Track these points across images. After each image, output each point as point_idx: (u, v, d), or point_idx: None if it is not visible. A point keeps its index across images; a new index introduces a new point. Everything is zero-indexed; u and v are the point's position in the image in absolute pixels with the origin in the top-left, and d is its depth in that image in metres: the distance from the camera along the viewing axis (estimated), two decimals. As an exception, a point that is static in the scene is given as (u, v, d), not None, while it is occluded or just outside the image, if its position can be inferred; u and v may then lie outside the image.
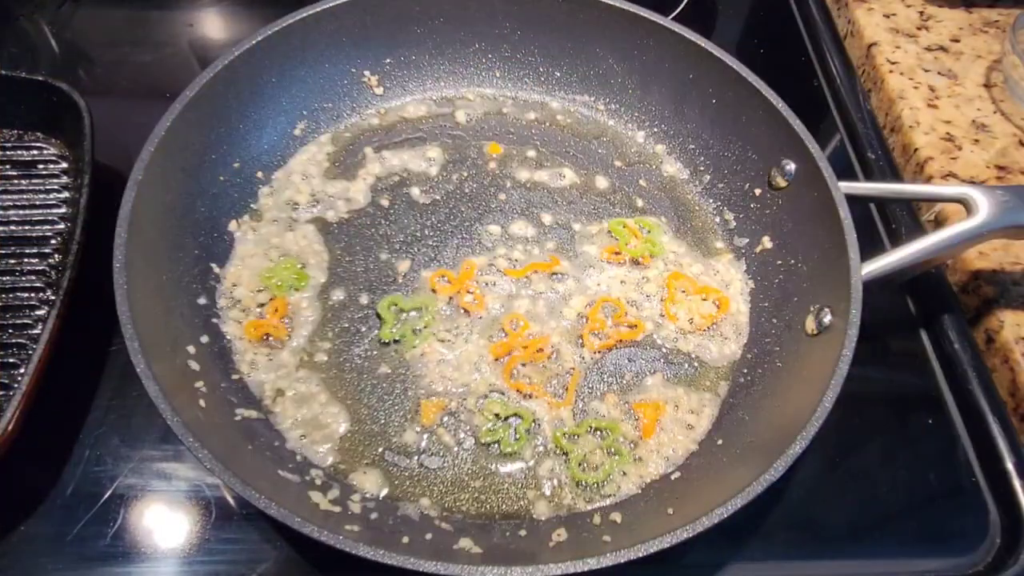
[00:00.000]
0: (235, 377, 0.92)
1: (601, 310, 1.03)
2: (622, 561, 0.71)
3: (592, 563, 0.70)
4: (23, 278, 0.98)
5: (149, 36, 1.35)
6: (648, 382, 0.98)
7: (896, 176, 1.26)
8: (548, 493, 0.88)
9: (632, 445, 0.91)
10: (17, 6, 1.36)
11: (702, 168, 1.19)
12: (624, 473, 0.89)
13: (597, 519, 0.86)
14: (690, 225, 1.14)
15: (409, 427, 0.92)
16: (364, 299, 1.02)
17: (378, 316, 0.99)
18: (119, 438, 0.90)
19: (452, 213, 1.12)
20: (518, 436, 0.92)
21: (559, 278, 1.06)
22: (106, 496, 0.85)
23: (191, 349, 0.90)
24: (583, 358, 0.99)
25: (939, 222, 1.17)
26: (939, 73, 1.35)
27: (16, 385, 0.82)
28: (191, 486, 0.87)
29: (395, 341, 0.98)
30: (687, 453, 0.93)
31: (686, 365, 1.00)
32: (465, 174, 1.17)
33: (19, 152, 1.10)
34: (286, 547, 0.83)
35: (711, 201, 1.17)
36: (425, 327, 0.99)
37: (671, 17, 1.20)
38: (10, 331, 0.94)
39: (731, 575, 0.87)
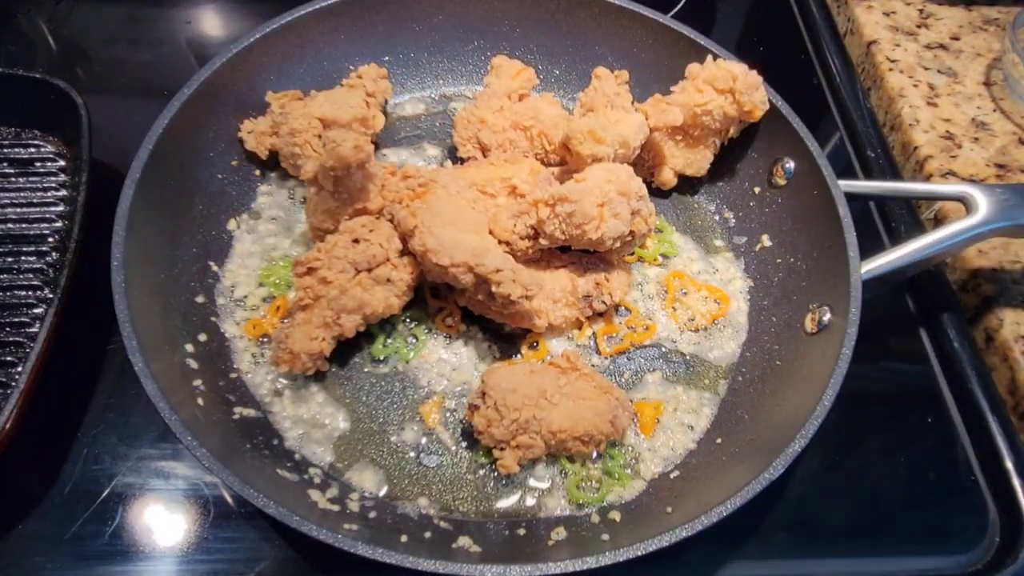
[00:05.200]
0: (233, 376, 0.92)
1: (615, 314, 1.03)
2: (621, 560, 0.71)
3: (591, 562, 0.70)
4: (21, 276, 0.98)
5: (147, 34, 1.35)
6: (647, 380, 0.98)
7: (896, 174, 1.26)
8: (547, 492, 0.88)
9: (632, 469, 0.91)
10: (15, 3, 1.35)
11: (701, 166, 1.18)
12: (623, 487, 0.89)
13: (596, 518, 0.86)
14: (689, 223, 1.14)
15: (408, 426, 0.91)
16: (363, 297, 1.01)
17: (369, 331, 0.97)
18: (117, 437, 0.89)
19: (451, 211, 1.12)
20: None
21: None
22: (104, 495, 0.85)
23: (189, 347, 0.90)
24: (590, 361, 0.99)
25: (939, 220, 1.17)
26: (939, 71, 1.35)
27: (14, 384, 0.82)
28: (189, 485, 0.87)
29: (385, 359, 0.96)
30: (686, 452, 0.92)
31: (685, 363, 1.00)
32: (464, 172, 1.16)
33: (16, 150, 1.09)
34: (284, 546, 0.83)
35: (710, 199, 1.17)
36: (418, 340, 0.98)
37: (670, 15, 1.20)
38: (7, 329, 0.94)
39: (730, 574, 0.87)
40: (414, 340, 0.98)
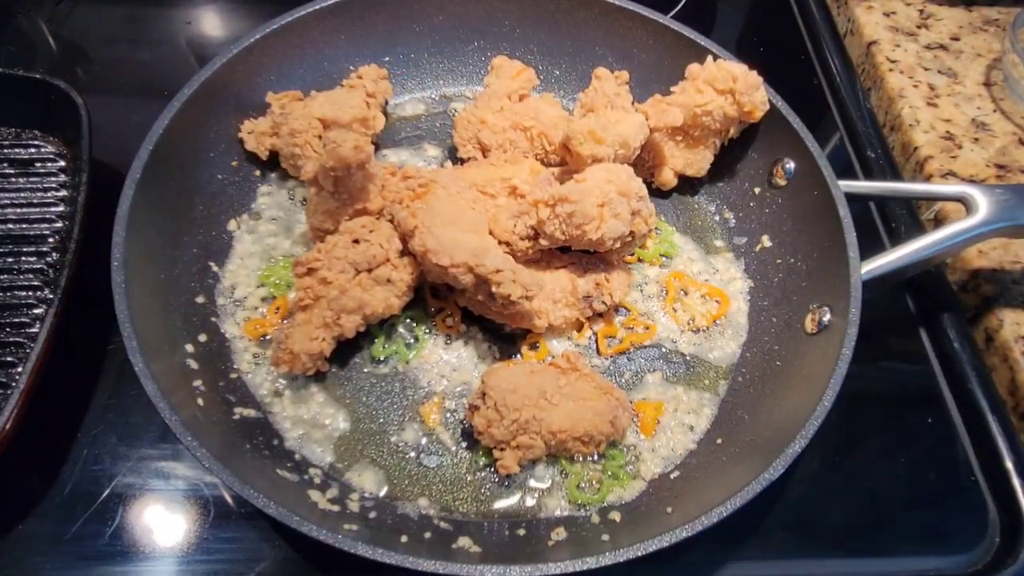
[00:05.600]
0: (233, 376, 0.92)
1: (615, 314, 1.03)
2: (621, 560, 0.71)
3: (591, 562, 0.70)
4: (21, 277, 0.98)
5: (147, 34, 1.35)
6: (648, 380, 0.98)
7: (896, 175, 1.26)
8: (547, 493, 0.88)
9: (632, 469, 0.90)
10: (15, 3, 1.35)
11: (702, 167, 1.18)
12: (623, 487, 0.89)
13: (596, 518, 0.86)
14: (689, 224, 1.14)
15: (408, 426, 0.91)
16: (363, 298, 1.01)
17: (369, 331, 0.97)
18: (117, 437, 0.89)
19: (451, 212, 1.11)
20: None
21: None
22: (104, 495, 0.85)
23: (189, 348, 0.90)
24: (590, 362, 0.99)
25: (939, 221, 1.16)
26: (939, 71, 1.35)
27: (14, 384, 0.82)
28: (189, 485, 0.87)
29: (385, 359, 0.96)
30: (686, 452, 0.92)
31: (686, 364, 1.00)
32: (464, 172, 1.16)
33: (17, 150, 1.09)
34: (284, 546, 0.83)
35: (710, 199, 1.17)
36: (418, 340, 0.98)
37: (670, 15, 1.20)
38: (8, 330, 0.94)
39: (730, 574, 0.87)
40: (414, 340, 0.98)
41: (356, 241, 0.91)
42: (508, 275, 0.86)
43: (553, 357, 0.98)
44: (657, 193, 1.16)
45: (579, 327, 1.01)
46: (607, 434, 0.86)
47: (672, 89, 1.10)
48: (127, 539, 0.83)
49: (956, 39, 1.41)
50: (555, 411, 0.85)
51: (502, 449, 0.85)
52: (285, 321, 0.94)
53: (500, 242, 0.94)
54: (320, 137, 1.00)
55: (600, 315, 1.00)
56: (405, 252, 0.93)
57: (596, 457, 0.90)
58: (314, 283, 0.88)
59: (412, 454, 0.89)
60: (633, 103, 1.10)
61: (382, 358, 0.96)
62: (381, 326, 0.97)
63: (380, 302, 0.90)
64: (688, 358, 1.01)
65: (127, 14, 1.37)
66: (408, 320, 0.99)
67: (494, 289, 0.86)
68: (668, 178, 1.13)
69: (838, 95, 1.37)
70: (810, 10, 1.52)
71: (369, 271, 0.90)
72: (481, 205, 0.96)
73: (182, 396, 0.81)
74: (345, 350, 0.95)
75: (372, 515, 0.83)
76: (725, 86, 1.04)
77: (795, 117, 1.05)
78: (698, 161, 1.12)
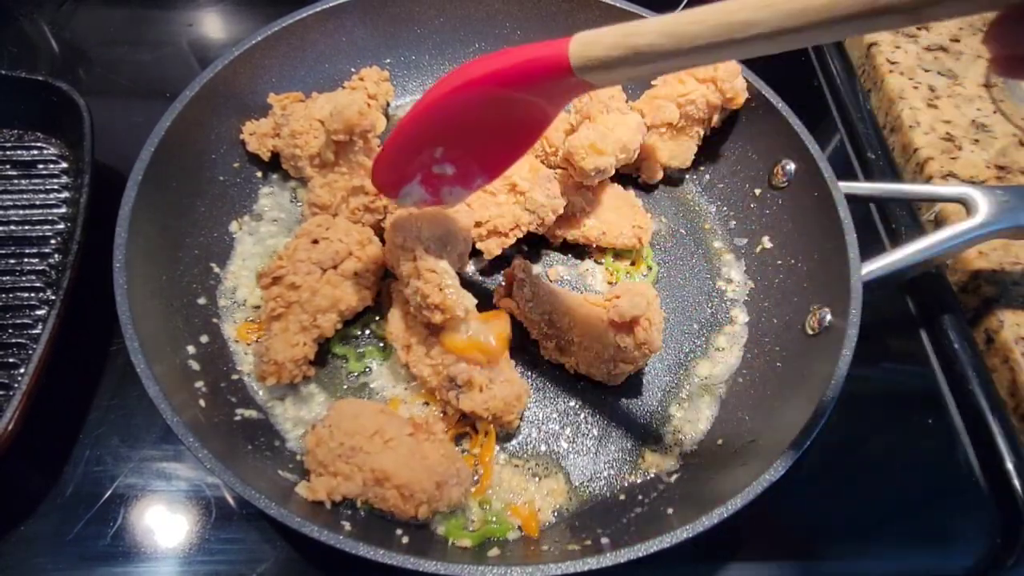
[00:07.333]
0: (235, 377, 0.92)
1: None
2: (622, 561, 0.71)
3: (591, 563, 0.70)
4: (23, 278, 0.98)
5: (149, 36, 1.35)
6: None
7: (896, 176, 1.26)
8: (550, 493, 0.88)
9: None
10: (17, 6, 1.36)
11: (702, 167, 1.19)
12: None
13: (597, 519, 0.86)
14: (689, 225, 1.14)
15: (409, 427, 0.91)
16: (364, 299, 1.01)
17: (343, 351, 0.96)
18: (119, 438, 0.90)
19: (452, 213, 1.12)
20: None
21: (561, 283, 1.06)
22: (106, 496, 0.85)
23: (191, 349, 0.90)
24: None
25: (939, 222, 1.17)
26: (939, 73, 1.35)
27: (16, 385, 0.82)
28: (191, 486, 0.87)
29: (367, 370, 0.95)
30: (687, 453, 0.92)
31: (686, 365, 1.00)
32: (465, 174, 1.16)
33: (19, 152, 1.10)
34: (286, 547, 0.83)
35: (711, 201, 1.17)
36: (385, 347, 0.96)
37: (671, 17, 1.21)
38: (10, 331, 0.94)
39: (731, 575, 0.87)
40: (382, 345, 0.97)
41: (315, 241, 0.91)
42: (437, 279, 0.83)
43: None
44: (656, 192, 1.16)
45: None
46: (429, 496, 0.77)
47: (653, 83, 1.11)
48: (129, 540, 0.83)
49: (956, 40, 1.41)
50: (385, 452, 0.78)
51: (320, 475, 0.79)
52: (260, 338, 0.92)
53: (498, 233, 0.97)
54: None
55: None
56: (366, 243, 0.94)
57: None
58: (283, 291, 0.88)
59: (413, 455, 0.89)
60: (627, 100, 1.10)
61: (358, 372, 0.95)
62: (348, 342, 0.97)
63: (352, 295, 0.91)
64: (689, 359, 1.01)
65: (129, 16, 1.38)
66: (370, 329, 0.98)
67: (419, 284, 0.83)
68: (654, 171, 1.14)
69: (838, 96, 1.37)
70: (810, 12, 1.52)
71: (335, 267, 0.91)
72: (479, 202, 0.97)
73: (184, 397, 0.82)
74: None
75: (374, 516, 0.83)
76: (706, 75, 1.06)
77: (795, 118, 1.06)
78: (683, 152, 1.13)
